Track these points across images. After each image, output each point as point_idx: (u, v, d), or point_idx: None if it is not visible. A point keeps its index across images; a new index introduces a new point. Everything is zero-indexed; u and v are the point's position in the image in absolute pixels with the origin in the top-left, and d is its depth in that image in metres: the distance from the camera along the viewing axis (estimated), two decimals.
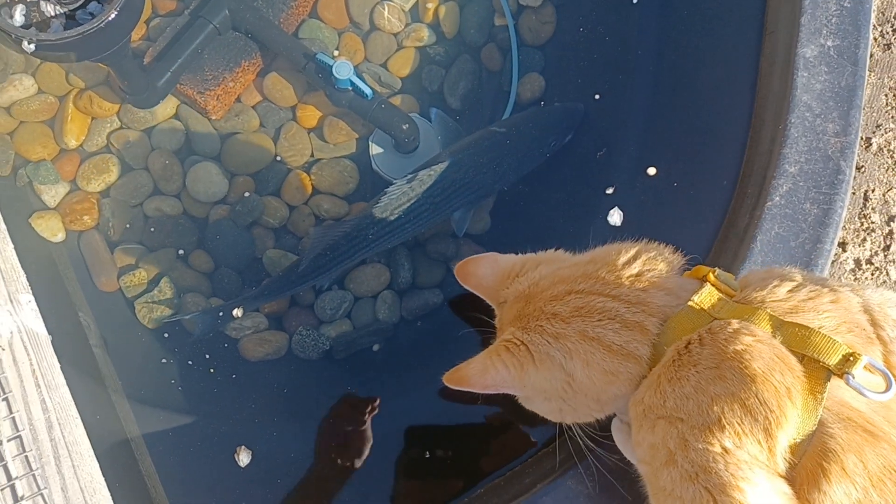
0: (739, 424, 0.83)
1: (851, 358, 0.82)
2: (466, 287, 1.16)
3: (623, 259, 0.98)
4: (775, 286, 0.91)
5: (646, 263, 0.98)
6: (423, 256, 1.75)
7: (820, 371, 0.83)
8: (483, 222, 1.76)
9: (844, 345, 0.84)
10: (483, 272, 1.13)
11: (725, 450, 0.83)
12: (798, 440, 0.83)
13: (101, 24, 1.29)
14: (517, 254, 1.13)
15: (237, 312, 1.61)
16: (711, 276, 0.95)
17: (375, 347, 1.69)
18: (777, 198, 1.16)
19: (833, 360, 0.83)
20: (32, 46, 1.27)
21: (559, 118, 1.70)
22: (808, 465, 0.82)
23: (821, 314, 0.88)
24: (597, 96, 1.64)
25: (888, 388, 0.81)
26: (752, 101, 1.29)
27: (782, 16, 1.28)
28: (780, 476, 0.83)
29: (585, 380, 0.97)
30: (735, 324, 0.88)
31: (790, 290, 0.91)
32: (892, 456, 0.79)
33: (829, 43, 1.22)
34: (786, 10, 1.27)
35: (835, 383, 0.83)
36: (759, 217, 1.15)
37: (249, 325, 1.65)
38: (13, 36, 1.26)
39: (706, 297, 0.93)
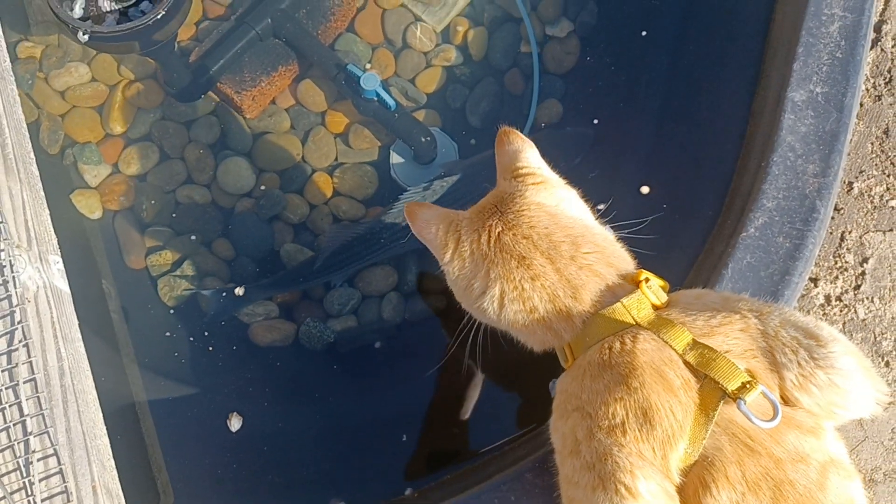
0: (640, 430, 0.92)
1: (748, 385, 0.91)
2: (499, 150, 1.22)
3: (585, 249, 1.07)
4: (696, 315, 1.00)
5: (601, 259, 1.07)
6: (431, 263, 1.83)
7: (717, 391, 0.92)
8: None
9: (745, 372, 0.92)
10: (506, 148, 1.20)
11: (625, 447, 0.91)
12: (689, 451, 0.92)
13: (150, 22, 1.43)
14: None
15: (239, 291, 1.72)
16: (643, 285, 1.03)
17: (377, 344, 1.77)
18: (752, 229, 1.22)
19: (732, 385, 0.91)
20: (86, 37, 1.41)
21: (569, 141, 1.78)
22: (698, 473, 0.91)
23: (729, 339, 0.97)
24: (595, 121, 1.72)
25: (774, 417, 0.89)
26: (742, 138, 1.36)
27: (777, 61, 1.36)
28: (671, 481, 0.92)
29: (485, 306, 1.09)
30: (653, 338, 0.97)
31: (707, 318, 0.99)
32: (769, 465, 0.89)
33: (818, 89, 1.29)
34: (781, 55, 1.35)
35: (728, 402, 0.91)
36: (733, 246, 1.22)
37: (261, 312, 1.76)
38: (70, 26, 1.40)
39: (634, 302, 1.02)
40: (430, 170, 1.86)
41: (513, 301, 1.07)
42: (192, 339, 1.68)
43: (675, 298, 1.06)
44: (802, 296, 1.38)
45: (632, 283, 1.06)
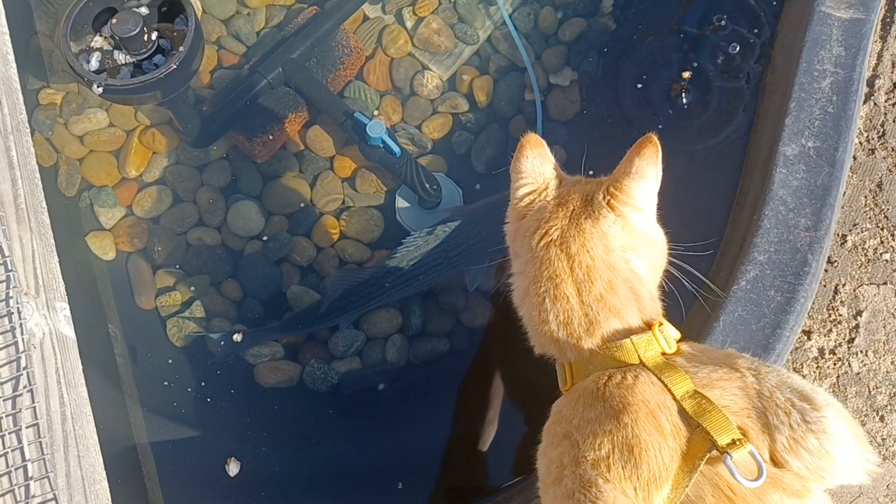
0: (623, 467, 0.93)
1: (738, 442, 0.92)
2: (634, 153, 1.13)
3: (620, 292, 1.08)
4: (700, 367, 1.01)
5: (631, 305, 1.08)
6: (435, 306, 1.86)
7: (706, 442, 0.93)
8: (495, 281, 1.86)
9: (738, 429, 0.93)
10: (635, 160, 1.10)
11: (609, 481, 0.93)
12: (671, 497, 0.92)
13: (161, 75, 1.48)
14: None
15: (237, 337, 1.75)
16: (655, 328, 1.05)
17: (381, 386, 1.79)
18: (744, 282, 1.24)
19: (723, 439, 0.92)
20: (100, 90, 1.47)
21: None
22: None
23: (727, 393, 0.98)
24: (590, 172, 1.75)
25: (758, 478, 0.90)
26: (734, 191, 1.38)
27: (770, 115, 1.38)
28: None
29: (516, 289, 1.15)
30: (653, 381, 0.98)
31: (709, 371, 1.00)
32: None
33: (810, 144, 1.30)
34: (773, 110, 1.37)
35: (714, 455, 0.92)
36: (725, 298, 1.23)
37: (267, 353, 1.79)
38: (86, 79, 1.46)
39: (644, 342, 1.04)
40: (434, 214, 1.89)
41: (532, 304, 1.10)
42: (196, 380, 1.72)
43: (682, 349, 1.07)
44: (795, 349, 1.38)
45: (647, 328, 1.08)
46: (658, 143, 1.08)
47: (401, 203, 1.91)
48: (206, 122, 1.89)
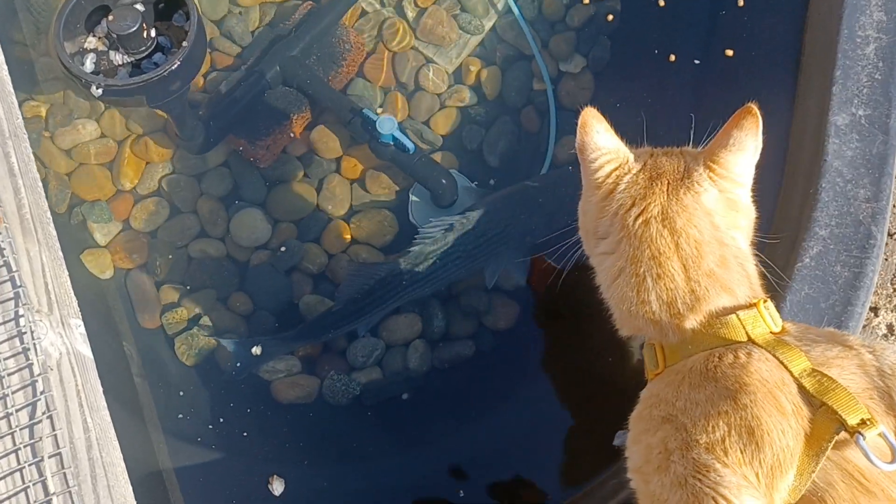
0: (743, 452, 0.86)
1: (868, 422, 0.84)
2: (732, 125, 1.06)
3: (731, 267, 1.01)
4: (812, 345, 0.94)
5: (743, 281, 1.01)
6: (457, 309, 1.77)
7: (831, 422, 0.86)
8: (514, 279, 1.77)
9: (865, 408, 0.85)
10: (733, 131, 1.04)
11: (726, 465, 0.85)
12: (796, 484, 0.85)
13: (165, 73, 1.38)
14: None
15: (256, 350, 1.64)
16: (761, 304, 0.98)
17: (405, 396, 1.70)
18: (807, 259, 1.18)
19: (852, 418, 0.85)
20: (100, 91, 1.36)
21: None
22: None
23: (846, 372, 0.91)
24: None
25: (893, 460, 0.83)
26: (783, 166, 1.32)
27: (813, 86, 1.33)
28: None
29: (598, 264, 1.08)
30: (768, 358, 0.91)
31: (823, 349, 0.93)
32: None
33: (861, 112, 1.26)
34: (817, 80, 1.32)
35: (840, 437, 0.85)
36: (789, 277, 1.17)
37: (282, 368, 1.69)
38: (83, 81, 1.35)
39: (750, 318, 0.96)
40: (449, 212, 1.81)
41: (628, 284, 1.02)
42: (213, 400, 1.61)
43: (788, 327, 1.01)
44: (863, 326, 1.32)
45: (750, 305, 1.01)
46: (758, 113, 1.02)
47: (414, 202, 1.83)
48: (204, 126, 1.78)
